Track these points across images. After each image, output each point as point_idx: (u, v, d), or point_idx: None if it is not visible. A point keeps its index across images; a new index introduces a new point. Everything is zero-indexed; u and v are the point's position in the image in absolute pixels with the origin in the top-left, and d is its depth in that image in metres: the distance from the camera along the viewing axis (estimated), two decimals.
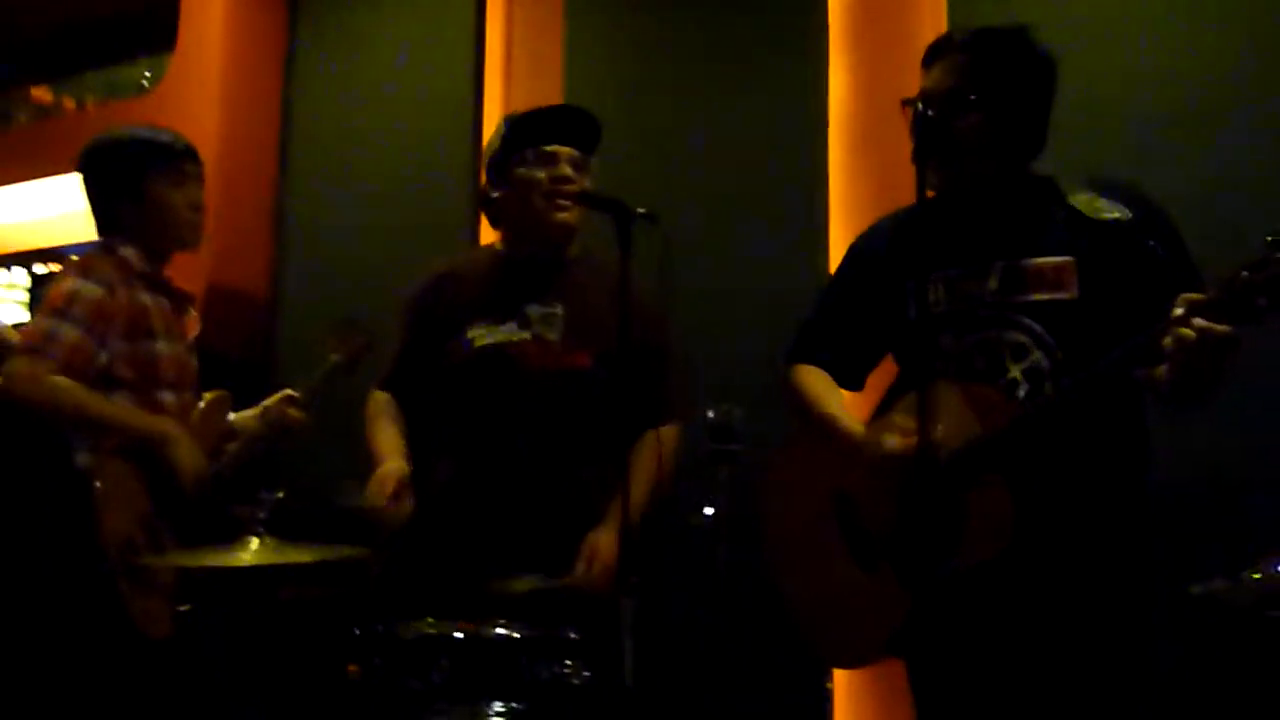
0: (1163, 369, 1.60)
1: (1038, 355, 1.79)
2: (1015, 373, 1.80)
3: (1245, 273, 1.45)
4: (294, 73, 4.24)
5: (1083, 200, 1.81)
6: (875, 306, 1.99)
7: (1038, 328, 1.80)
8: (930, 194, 1.80)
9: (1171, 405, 1.68)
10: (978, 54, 1.85)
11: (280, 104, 4.21)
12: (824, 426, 1.96)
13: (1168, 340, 1.52)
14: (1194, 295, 1.52)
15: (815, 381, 2.02)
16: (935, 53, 1.89)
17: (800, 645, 2.04)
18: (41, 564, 2.32)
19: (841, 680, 2.80)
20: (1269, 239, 1.41)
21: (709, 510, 1.68)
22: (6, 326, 2.72)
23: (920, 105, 1.73)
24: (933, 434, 1.56)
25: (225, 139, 3.86)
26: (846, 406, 2.00)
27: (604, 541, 2.16)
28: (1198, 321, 1.49)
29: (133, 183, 2.47)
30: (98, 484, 2.24)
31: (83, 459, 2.30)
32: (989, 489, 1.71)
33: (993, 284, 1.83)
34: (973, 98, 1.81)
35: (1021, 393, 1.79)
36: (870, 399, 2.06)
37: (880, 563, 1.86)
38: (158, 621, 2.25)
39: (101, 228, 2.51)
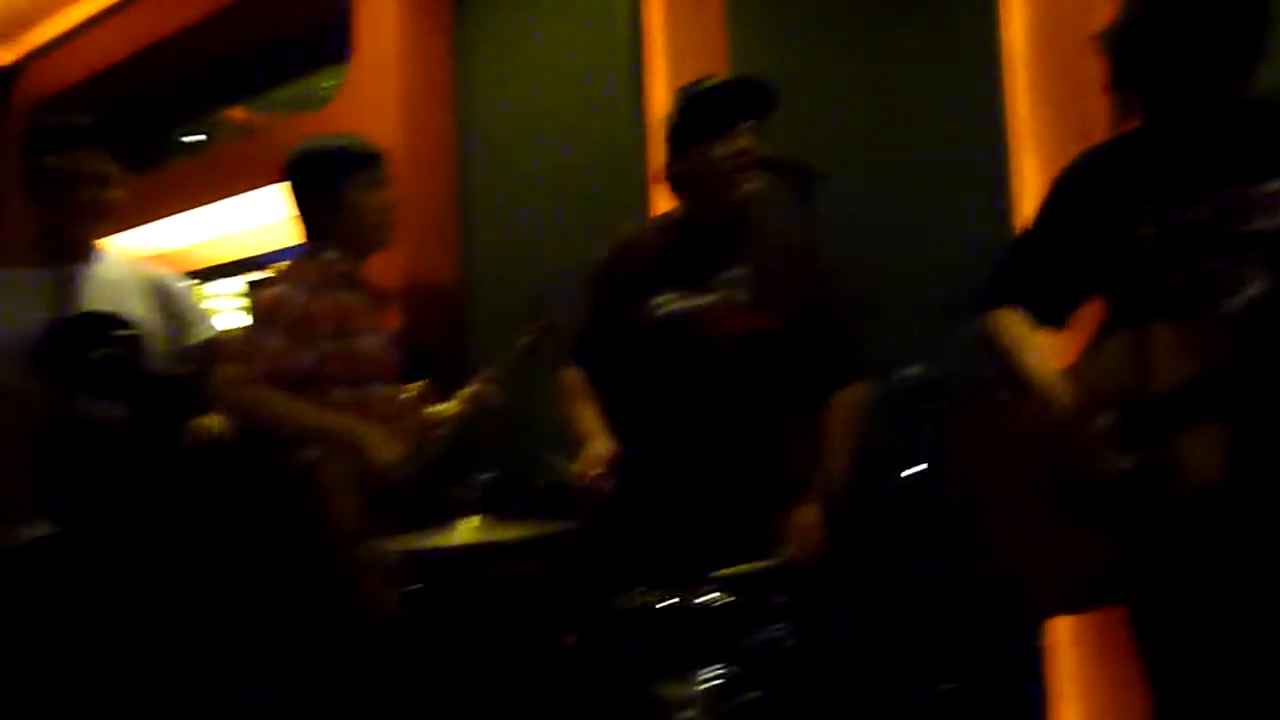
0: None
1: (1260, 287, 1.68)
2: (1235, 307, 1.69)
3: None
4: (463, 67, 4.36)
5: None
6: (1080, 243, 1.89)
7: (1260, 258, 1.68)
8: (1133, 124, 1.71)
9: None
10: None
11: (453, 99, 4.34)
12: (1024, 381, 1.90)
13: None
14: None
15: (1013, 326, 1.96)
16: None
17: (1009, 601, 1.99)
18: (278, 554, 2.49)
19: (1057, 638, 2.71)
20: None
21: (913, 469, 1.65)
22: (218, 333, 2.91)
23: (1108, 34, 1.65)
24: (1146, 375, 1.49)
25: (406, 139, 4.03)
26: (1048, 350, 1.93)
27: (810, 517, 2.16)
28: None
29: (332, 189, 2.61)
30: (322, 476, 2.39)
31: (308, 453, 2.45)
32: (1203, 428, 1.63)
33: (1211, 213, 1.73)
34: (1176, 18, 1.71)
35: (1242, 328, 1.68)
36: (1076, 338, 1.97)
37: (1086, 508, 1.80)
38: (385, 603, 2.39)
39: (305, 232, 2.67)
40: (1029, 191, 2.88)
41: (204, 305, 3.97)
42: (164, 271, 2.81)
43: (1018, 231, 2.07)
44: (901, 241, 3.09)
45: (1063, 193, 1.98)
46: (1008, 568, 1.97)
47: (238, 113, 5.43)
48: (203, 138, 5.59)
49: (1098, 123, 1.68)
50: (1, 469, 2.38)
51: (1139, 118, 1.81)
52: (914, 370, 1.66)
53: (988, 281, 2.02)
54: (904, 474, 1.65)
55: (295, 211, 2.68)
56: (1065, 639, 2.71)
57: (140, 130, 5.68)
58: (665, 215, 2.59)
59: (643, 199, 3.69)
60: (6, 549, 2.34)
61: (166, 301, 2.74)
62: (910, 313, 2.92)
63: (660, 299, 2.36)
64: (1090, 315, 1.96)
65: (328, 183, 2.61)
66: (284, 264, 2.64)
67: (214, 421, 2.59)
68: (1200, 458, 1.63)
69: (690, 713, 1.80)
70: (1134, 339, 1.51)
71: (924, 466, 1.63)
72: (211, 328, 2.86)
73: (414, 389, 2.72)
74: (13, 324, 2.40)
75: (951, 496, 1.97)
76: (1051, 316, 1.97)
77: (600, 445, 2.29)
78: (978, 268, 2.07)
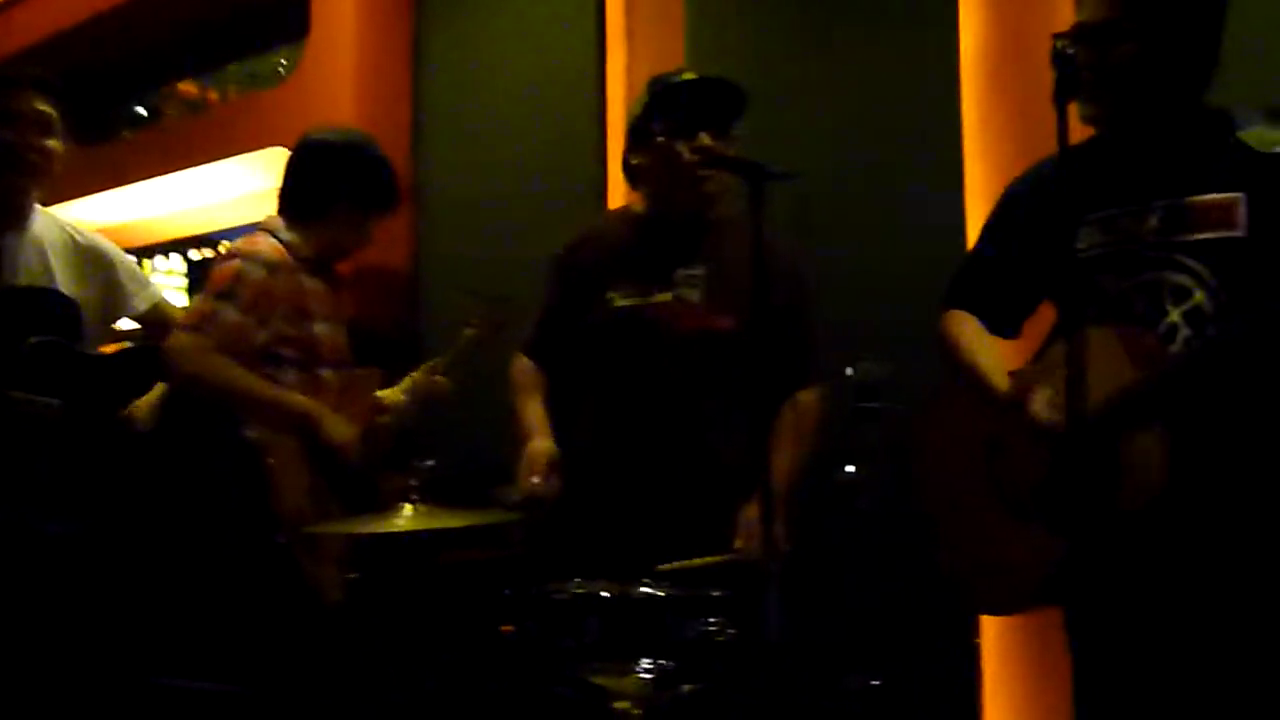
0: None
1: (1200, 297, 1.71)
2: (1175, 316, 1.73)
3: None
4: (422, 50, 4.33)
5: (1255, 134, 1.73)
6: (1031, 250, 1.93)
7: (1201, 268, 1.72)
8: (1089, 130, 1.75)
9: None
10: None
11: (411, 83, 4.31)
12: (972, 380, 1.93)
13: None
14: None
15: (966, 329, 1.99)
16: None
17: (948, 599, 2.03)
18: (223, 537, 2.46)
19: (990, 636, 2.76)
20: None
21: (852, 468, 1.67)
22: (171, 305, 2.86)
23: (1059, 43, 1.67)
24: (1085, 384, 1.52)
25: (361, 121, 3.99)
26: (1001, 354, 1.97)
27: (758, 513, 2.17)
28: None
29: (334, 198, 2.57)
30: (270, 458, 2.37)
31: (253, 433, 2.43)
32: (1144, 435, 1.65)
33: (1153, 223, 1.77)
34: (1129, 27, 1.73)
35: (1182, 337, 1.72)
36: (1029, 346, 2.01)
37: (1032, 512, 1.84)
38: (331, 588, 2.38)
39: (283, 207, 2.61)
40: (979, 195, 2.92)
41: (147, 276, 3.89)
42: (100, 237, 2.74)
43: (974, 240, 2.10)
44: (858, 241, 3.13)
45: (1012, 202, 2.01)
46: (954, 565, 2.01)
47: (190, 87, 5.34)
48: (149, 110, 5.49)
49: (1048, 131, 1.71)
50: None
51: (1090, 126, 1.86)
52: (858, 370, 1.68)
53: (946, 287, 2.06)
54: (844, 471, 1.67)
55: (292, 183, 2.63)
56: (998, 636, 2.77)
57: (89, 100, 5.57)
58: (624, 208, 2.58)
59: (600, 190, 3.69)
60: None
61: (104, 268, 2.66)
62: (868, 312, 2.95)
63: (615, 293, 2.35)
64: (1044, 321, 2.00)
65: (332, 190, 2.57)
66: (241, 241, 2.59)
67: (141, 409, 2.54)
68: (1142, 465, 1.66)
69: (626, 704, 1.81)
70: (1071, 345, 1.54)
71: (864, 465, 1.65)
72: (156, 294, 2.81)
73: (361, 374, 2.70)
74: None
75: (899, 494, 1.99)
76: (1003, 325, 2.01)
77: (542, 446, 2.29)
78: (933, 268, 2.11)
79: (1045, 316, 1.99)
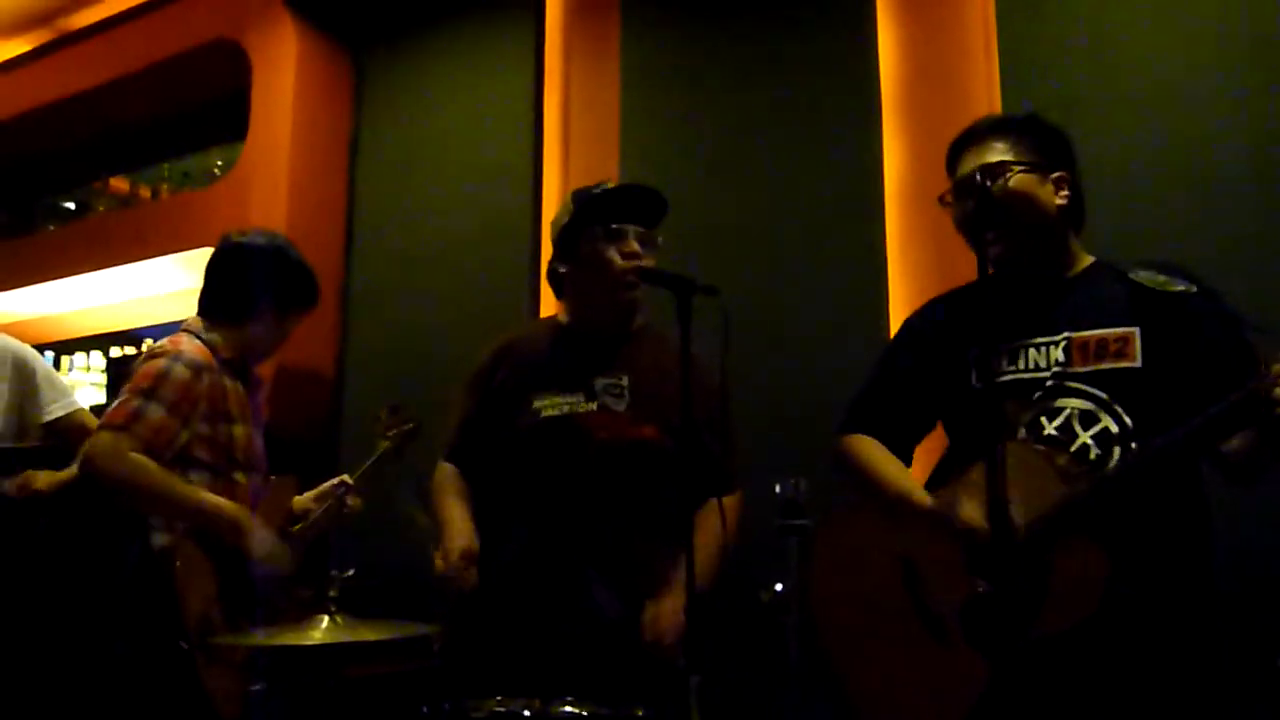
0: (1236, 441, 1.65)
1: (1107, 421, 1.82)
2: (1085, 438, 1.82)
3: None
4: (358, 156, 4.37)
5: (1145, 276, 1.87)
6: (931, 378, 2.02)
7: (1104, 395, 1.83)
8: (990, 268, 1.84)
9: (1232, 479, 1.73)
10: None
11: (346, 187, 4.33)
12: (890, 497, 1.96)
13: (1278, 391, 1.54)
14: None
15: (872, 450, 2.05)
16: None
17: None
18: (124, 642, 2.36)
19: None
20: None
21: (779, 586, 1.67)
22: (90, 416, 2.81)
23: (976, 175, 1.77)
24: (1008, 498, 1.55)
25: (294, 223, 3.98)
26: (910, 474, 2.02)
27: (665, 607, 2.16)
28: None
29: (268, 295, 2.56)
30: (178, 563, 2.29)
31: (160, 539, 2.35)
32: (1077, 552, 1.70)
33: (1058, 354, 1.89)
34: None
35: (1093, 456, 1.80)
36: (917, 471, 2.05)
37: (954, 634, 1.83)
38: (231, 700, 2.28)
39: (210, 310, 2.58)
40: (902, 316, 3.00)
41: (64, 377, 3.81)
42: (18, 342, 2.71)
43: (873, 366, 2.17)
44: (780, 358, 3.17)
45: (912, 330, 2.11)
46: (862, 692, 1.97)
47: (120, 182, 5.30)
48: (76, 205, 5.42)
49: (965, 258, 1.79)
50: None
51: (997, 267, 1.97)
52: (780, 486, 1.69)
53: (846, 408, 2.11)
54: (771, 589, 1.67)
55: (208, 286, 2.61)
56: None
57: (12, 193, 5.50)
58: (549, 318, 2.61)
59: (530, 299, 3.71)
60: None
61: (21, 372, 2.63)
62: (793, 430, 2.98)
63: (539, 402, 2.35)
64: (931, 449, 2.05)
65: (255, 293, 2.57)
66: (168, 340, 2.55)
67: (43, 478, 2.48)
68: (1076, 583, 1.69)
69: None
70: (991, 466, 1.57)
71: (790, 581, 1.65)
72: (74, 402, 2.76)
73: (277, 481, 2.64)
74: None
75: (808, 614, 1.98)
76: (896, 447, 2.07)
77: (464, 538, 2.25)
78: (853, 387, 2.16)
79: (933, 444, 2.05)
